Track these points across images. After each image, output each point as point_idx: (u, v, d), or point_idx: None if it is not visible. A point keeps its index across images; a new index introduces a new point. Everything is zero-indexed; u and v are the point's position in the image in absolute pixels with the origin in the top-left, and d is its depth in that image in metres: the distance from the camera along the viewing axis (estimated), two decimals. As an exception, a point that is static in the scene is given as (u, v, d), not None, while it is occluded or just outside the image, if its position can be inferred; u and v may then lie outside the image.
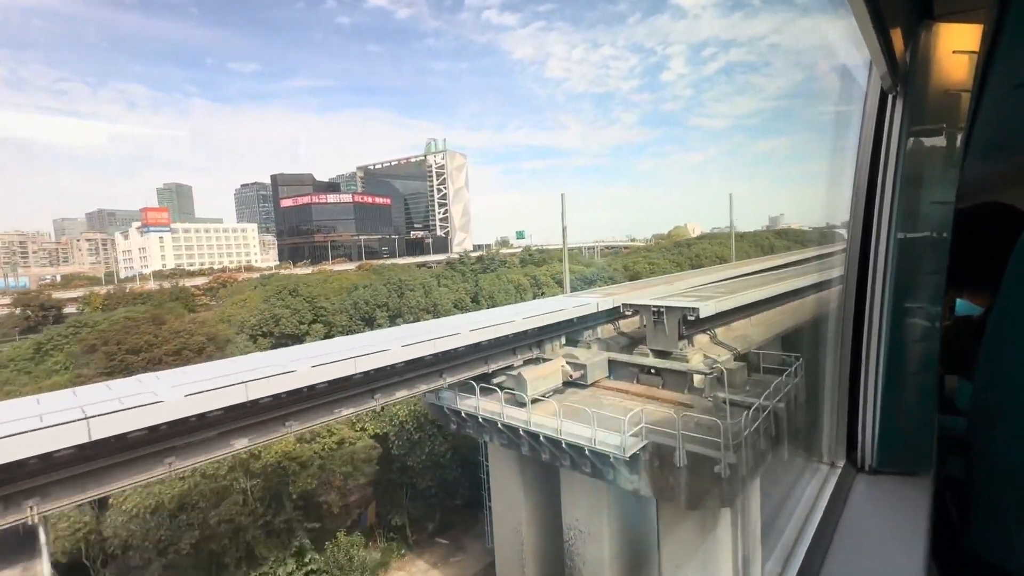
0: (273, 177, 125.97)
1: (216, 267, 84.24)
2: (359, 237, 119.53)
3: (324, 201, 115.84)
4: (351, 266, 61.79)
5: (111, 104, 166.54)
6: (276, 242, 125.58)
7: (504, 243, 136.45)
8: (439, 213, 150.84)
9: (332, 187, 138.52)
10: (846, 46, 1.75)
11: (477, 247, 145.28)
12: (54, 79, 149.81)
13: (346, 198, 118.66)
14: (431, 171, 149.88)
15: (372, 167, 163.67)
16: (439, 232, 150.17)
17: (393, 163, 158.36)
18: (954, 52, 1.56)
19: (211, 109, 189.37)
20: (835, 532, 1.52)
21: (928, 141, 1.66)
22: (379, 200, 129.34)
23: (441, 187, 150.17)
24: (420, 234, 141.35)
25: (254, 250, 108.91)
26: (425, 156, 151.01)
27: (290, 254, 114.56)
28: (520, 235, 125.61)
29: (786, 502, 1.90)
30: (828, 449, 2.04)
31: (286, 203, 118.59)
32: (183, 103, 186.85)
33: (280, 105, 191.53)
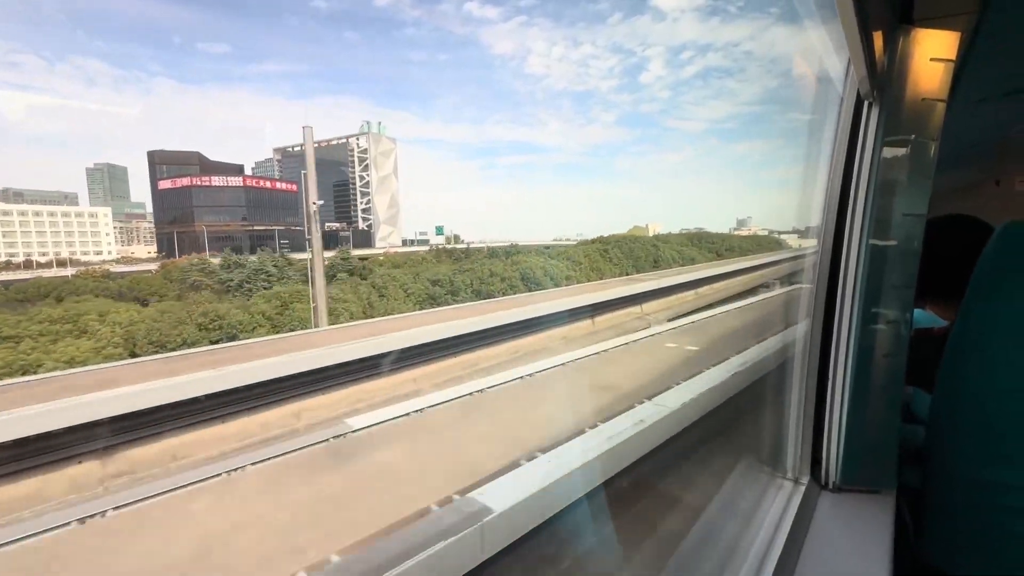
0: (150, 154, 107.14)
1: (41, 259, 66.97)
2: (253, 227, 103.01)
3: (207, 184, 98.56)
4: (152, 266, 46.71)
5: (68, 80, 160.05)
6: (155, 230, 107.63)
7: (455, 239, 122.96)
8: (361, 203, 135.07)
9: (238, 169, 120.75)
10: (823, 51, 1.75)
11: (408, 241, 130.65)
12: (5, 51, 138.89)
13: (235, 181, 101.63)
14: (352, 156, 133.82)
15: (291, 149, 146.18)
16: (361, 225, 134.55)
17: (315, 146, 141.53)
18: (931, 60, 1.58)
19: (177, 89, 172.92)
20: (800, 551, 1.54)
21: (902, 149, 1.66)
22: (282, 185, 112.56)
23: (364, 174, 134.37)
24: (336, 226, 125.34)
25: (107, 238, 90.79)
26: (347, 139, 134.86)
27: (169, 244, 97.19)
28: (439, 231, 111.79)
29: (751, 518, 1.89)
30: (793, 466, 2.01)
31: (164, 185, 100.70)
32: (147, 82, 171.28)
33: (250, 89, 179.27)
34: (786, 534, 1.61)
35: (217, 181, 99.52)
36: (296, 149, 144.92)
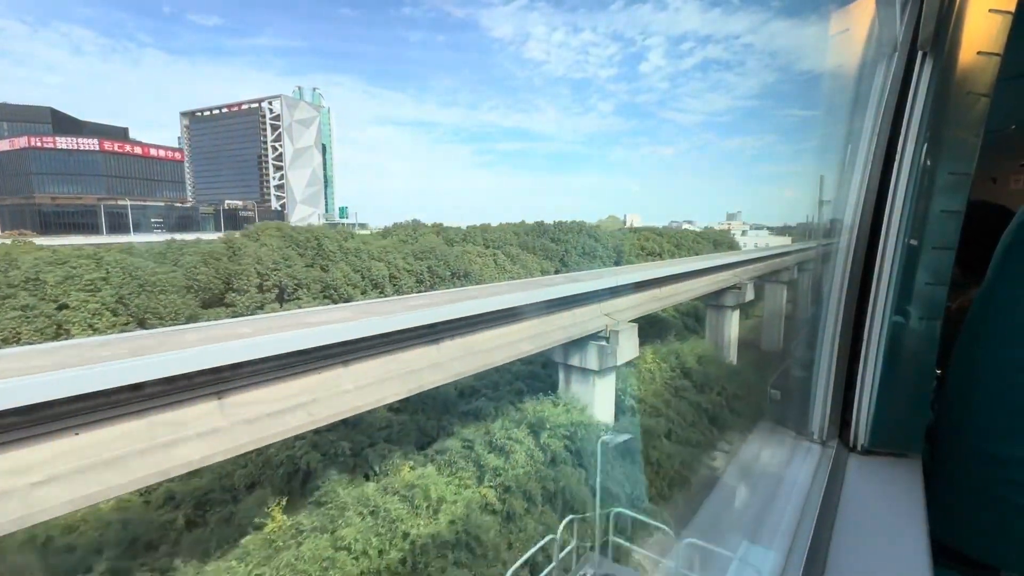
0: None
1: None
2: (117, 201, 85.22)
3: (51, 146, 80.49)
4: None
5: (52, 48, 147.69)
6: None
7: (416, 225, 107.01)
8: (274, 178, 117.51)
9: (121, 133, 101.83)
10: (880, 1, 1.72)
11: (339, 225, 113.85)
12: None
13: (89, 144, 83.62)
14: (264, 124, 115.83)
15: (201, 114, 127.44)
16: (275, 204, 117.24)
17: (224, 110, 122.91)
18: (991, 11, 1.53)
19: (166, 61, 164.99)
20: (836, 514, 1.54)
21: (955, 103, 1.60)
22: (161, 153, 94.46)
23: (277, 145, 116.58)
24: (239, 204, 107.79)
25: None
26: (259, 103, 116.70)
27: (11, 219, 79.49)
28: (342, 212, 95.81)
29: (781, 478, 1.92)
30: (819, 428, 2.01)
31: (2, 146, 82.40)
32: (135, 52, 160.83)
33: (241, 63, 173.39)
34: (820, 497, 1.57)
35: (65, 143, 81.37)
36: (206, 113, 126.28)
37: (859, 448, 1.86)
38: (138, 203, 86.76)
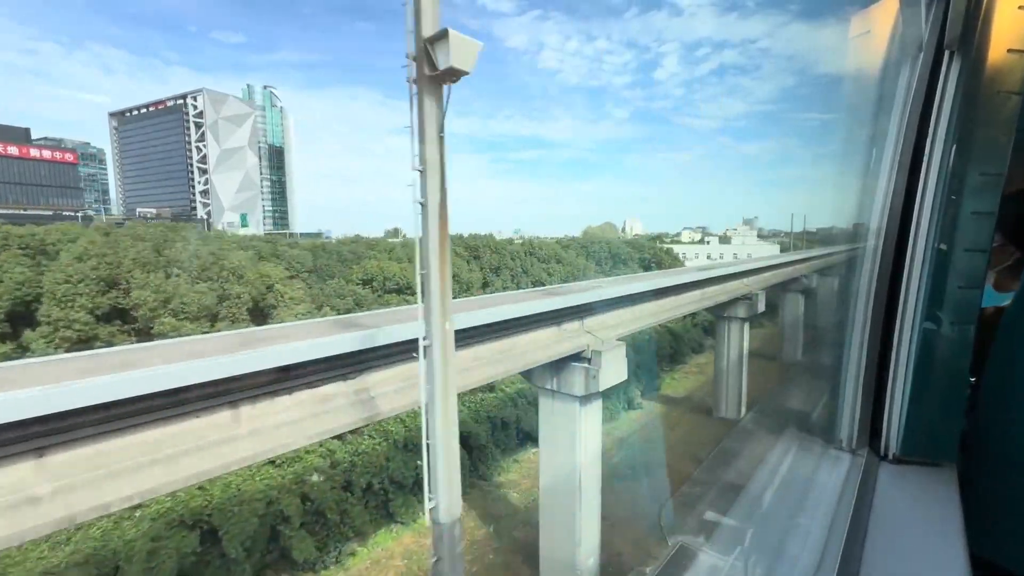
0: None
1: None
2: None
3: None
4: None
5: (86, 67, 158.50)
6: None
7: (394, 232, 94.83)
8: (199, 183, 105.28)
9: (21, 135, 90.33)
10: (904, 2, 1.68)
11: (289, 235, 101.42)
12: (25, 37, 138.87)
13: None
14: (187, 121, 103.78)
15: (131, 114, 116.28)
16: (200, 211, 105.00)
17: (152, 108, 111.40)
18: (1020, 7, 1.50)
19: (192, 78, 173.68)
20: (867, 526, 1.50)
21: (985, 103, 1.56)
22: (41, 154, 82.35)
23: (200, 145, 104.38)
24: (152, 211, 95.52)
25: None
26: (184, 99, 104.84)
27: None
28: (243, 221, 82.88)
29: (810, 487, 1.88)
30: (848, 436, 1.96)
31: None
32: (162, 70, 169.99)
33: (263, 78, 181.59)
34: (851, 507, 1.53)
35: (-85, 143, 69.61)
36: (134, 112, 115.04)
37: (890, 457, 1.80)
38: (12, 212, 74.69)
